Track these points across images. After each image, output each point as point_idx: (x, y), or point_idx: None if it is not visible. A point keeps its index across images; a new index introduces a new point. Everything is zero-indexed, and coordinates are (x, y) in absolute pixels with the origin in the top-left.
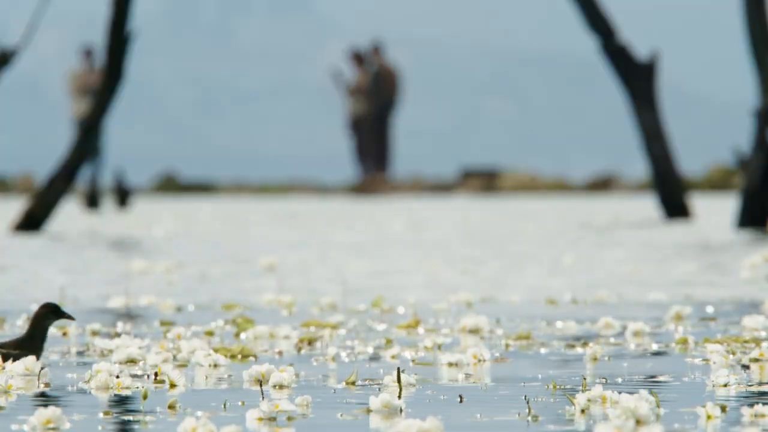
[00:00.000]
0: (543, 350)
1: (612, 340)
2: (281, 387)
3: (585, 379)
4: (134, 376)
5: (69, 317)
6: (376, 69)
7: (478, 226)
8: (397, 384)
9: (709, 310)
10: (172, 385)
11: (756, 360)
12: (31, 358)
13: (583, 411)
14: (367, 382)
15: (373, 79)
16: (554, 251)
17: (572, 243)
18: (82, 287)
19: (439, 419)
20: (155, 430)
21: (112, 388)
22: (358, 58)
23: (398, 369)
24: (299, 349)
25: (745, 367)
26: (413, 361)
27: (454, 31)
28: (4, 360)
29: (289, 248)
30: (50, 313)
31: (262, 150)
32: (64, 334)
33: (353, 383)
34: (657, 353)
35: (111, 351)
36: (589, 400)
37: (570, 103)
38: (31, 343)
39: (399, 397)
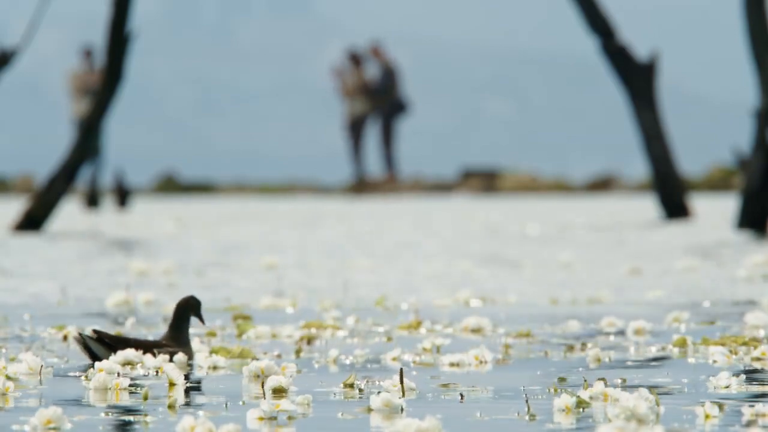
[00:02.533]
0: (543, 350)
1: (612, 340)
2: (280, 391)
3: (585, 380)
4: (134, 379)
5: (201, 319)
6: (385, 67)
7: (478, 226)
8: (398, 387)
9: (709, 310)
10: (172, 385)
11: (758, 359)
12: (35, 359)
13: (578, 406)
14: (367, 383)
15: (384, 77)
16: (554, 251)
17: (572, 243)
18: (82, 287)
19: (438, 418)
20: (155, 430)
21: (111, 388)
22: (356, 59)
23: (401, 370)
24: (298, 351)
25: (748, 371)
26: (414, 362)
27: (454, 32)
28: (170, 358)
29: (289, 248)
30: (190, 307)
31: (263, 150)
32: (64, 337)
33: (351, 386)
34: (657, 353)
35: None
36: (591, 398)
37: (570, 103)
38: (182, 337)
39: (402, 397)
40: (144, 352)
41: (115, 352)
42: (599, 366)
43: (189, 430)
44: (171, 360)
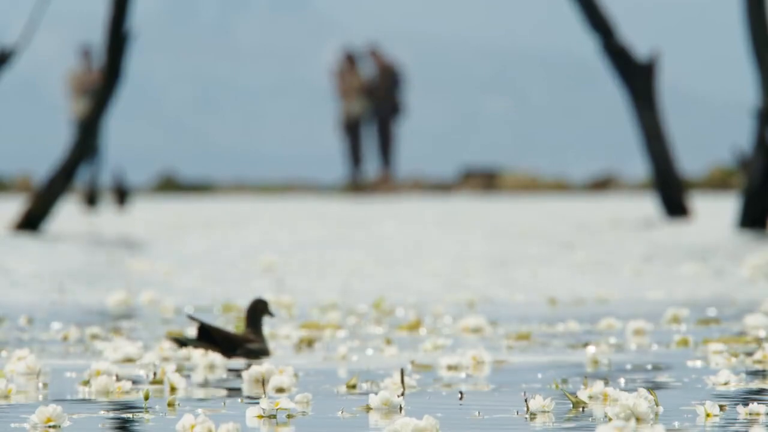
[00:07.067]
0: (543, 350)
1: (612, 340)
2: (282, 390)
3: (586, 378)
4: (133, 381)
5: (271, 314)
6: (383, 69)
7: (478, 226)
8: (398, 385)
9: (710, 310)
10: (173, 389)
11: (759, 362)
12: (32, 358)
13: (578, 406)
14: (368, 384)
15: (382, 79)
16: (554, 251)
17: (572, 243)
18: (81, 287)
19: (438, 417)
20: (155, 428)
21: (111, 392)
22: (352, 59)
23: (402, 370)
24: (299, 350)
25: (749, 373)
26: (412, 362)
27: (454, 30)
28: (246, 353)
29: (288, 248)
30: (259, 311)
31: (262, 149)
32: (65, 337)
33: (354, 386)
34: (657, 353)
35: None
36: (590, 397)
37: (570, 102)
38: (259, 336)
39: (402, 395)
40: (233, 345)
41: (210, 342)
42: (599, 366)
43: (189, 428)
44: (253, 354)
